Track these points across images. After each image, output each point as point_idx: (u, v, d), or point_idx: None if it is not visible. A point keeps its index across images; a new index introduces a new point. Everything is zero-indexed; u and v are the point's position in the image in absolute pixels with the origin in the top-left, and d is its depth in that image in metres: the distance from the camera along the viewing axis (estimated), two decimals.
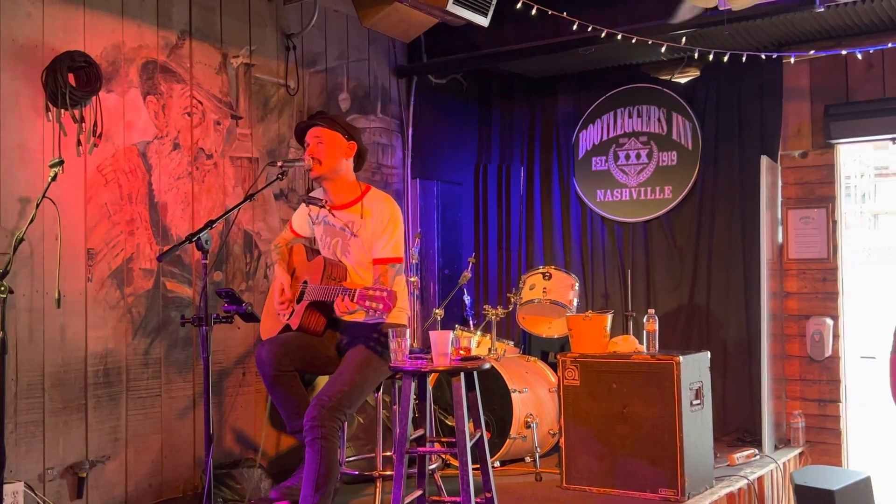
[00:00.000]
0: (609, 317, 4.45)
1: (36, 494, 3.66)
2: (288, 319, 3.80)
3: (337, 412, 3.39)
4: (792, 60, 5.08)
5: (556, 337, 5.29)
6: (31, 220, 3.12)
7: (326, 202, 3.77)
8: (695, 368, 4.19)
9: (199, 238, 2.98)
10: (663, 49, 4.88)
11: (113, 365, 4.02)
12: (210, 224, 3.06)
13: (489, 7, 4.86)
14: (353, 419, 4.59)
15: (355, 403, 3.54)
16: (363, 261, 3.69)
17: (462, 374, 3.24)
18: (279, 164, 3.61)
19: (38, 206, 3.12)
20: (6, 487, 3.41)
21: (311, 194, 3.97)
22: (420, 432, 3.51)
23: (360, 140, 3.80)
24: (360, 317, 3.45)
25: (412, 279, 4.70)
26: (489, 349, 4.96)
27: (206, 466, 3.08)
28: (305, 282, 3.77)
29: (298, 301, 3.77)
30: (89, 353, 3.93)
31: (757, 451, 4.86)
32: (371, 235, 3.65)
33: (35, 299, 3.71)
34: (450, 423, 4.71)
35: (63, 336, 3.83)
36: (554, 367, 4.80)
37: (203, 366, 3.00)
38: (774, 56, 5.14)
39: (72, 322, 3.86)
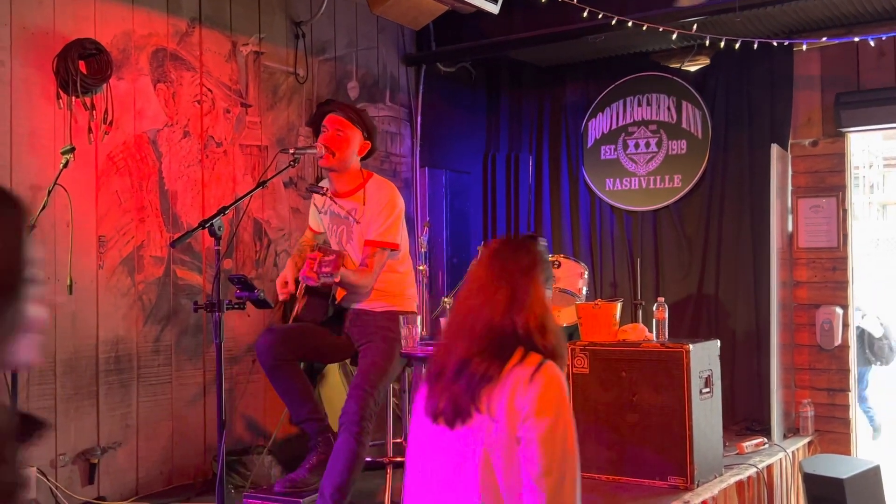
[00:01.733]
0: (618, 305, 4.45)
1: (48, 480, 3.68)
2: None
3: (374, 405, 3.46)
4: (804, 48, 5.05)
5: (565, 325, 5.28)
6: (43, 207, 3.14)
7: (328, 190, 3.77)
8: (704, 357, 4.18)
9: (211, 225, 2.99)
10: (674, 37, 4.86)
11: (124, 352, 4.04)
12: (222, 211, 3.06)
13: None
14: None
15: (383, 394, 3.61)
16: None
17: None
18: (291, 151, 3.61)
19: (49, 193, 3.13)
20: None
21: (319, 184, 3.97)
22: None
23: (375, 141, 3.80)
24: (315, 282, 3.43)
25: (421, 268, 4.70)
26: None
27: (218, 452, 3.09)
28: None
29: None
30: (100, 339, 3.94)
31: (766, 440, 4.86)
32: (368, 220, 3.66)
33: (47, 286, 3.72)
34: None
35: (74, 323, 3.84)
36: None
37: (216, 352, 3.01)
38: (786, 43, 5.12)
39: (83, 309, 3.88)
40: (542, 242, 2.13)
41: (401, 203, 3.70)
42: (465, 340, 1.97)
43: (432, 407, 1.98)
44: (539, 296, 2.02)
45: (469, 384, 1.92)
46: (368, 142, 3.75)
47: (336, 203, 3.76)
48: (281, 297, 3.78)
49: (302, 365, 3.79)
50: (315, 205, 3.93)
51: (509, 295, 1.98)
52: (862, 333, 7.49)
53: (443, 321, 3.31)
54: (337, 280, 3.42)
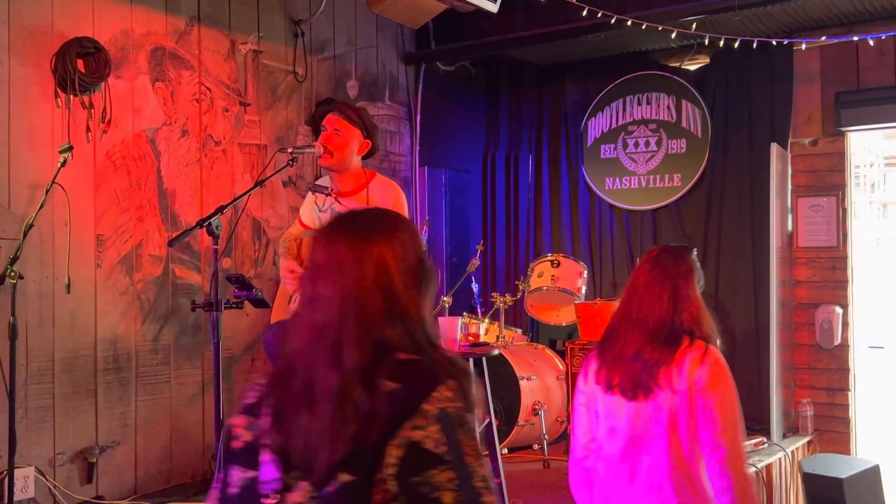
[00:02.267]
0: (617, 304, 4.43)
1: (46, 479, 3.68)
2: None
3: None
4: (803, 47, 5.05)
5: (564, 324, 5.28)
6: (41, 206, 3.13)
7: (332, 190, 3.77)
8: None
9: (209, 223, 2.98)
10: (673, 35, 4.85)
11: (122, 351, 4.04)
12: (221, 209, 3.06)
13: None
14: None
15: None
16: None
17: (471, 360, 3.24)
18: (289, 150, 3.59)
19: (47, 191, 3.12)
20: (17, 472, 3.42)
21: (317, 182, 3.96)
22: None
23: (376, 140, 3.79)
24: None
25: None
26: (497, 337, 4.96)
27: (215, 452, 3.09)
28: None
29: None
30: (99, 338, 3.94)
31: (765, 440, 4.86)
32: None
33: (45, 285, 3.72)
34: None
35: (73, 322, 3.84)
36: (562, 354, 4.80)
37: (213, 350, 3.00)
38: (785, 42, 5.11)
39: (81, 308, 3.87)
40: (695, 252, 2.66)
41: (406, 203, 3.72)
42: (639, 331, 2.47)
43: (605, 379, 2.49)
44: (695, 295, 2.53)
45: (645, 366, 2.42)
46: (368, 141, 3.75)
47: (339, 202, 3.75)
48: (290, 288, 3.73)
49: None
50: (316, 203, 3.92)
51: (671, 294, 2.48)
52: None
53: (441, 319, 3.32)
54: None
